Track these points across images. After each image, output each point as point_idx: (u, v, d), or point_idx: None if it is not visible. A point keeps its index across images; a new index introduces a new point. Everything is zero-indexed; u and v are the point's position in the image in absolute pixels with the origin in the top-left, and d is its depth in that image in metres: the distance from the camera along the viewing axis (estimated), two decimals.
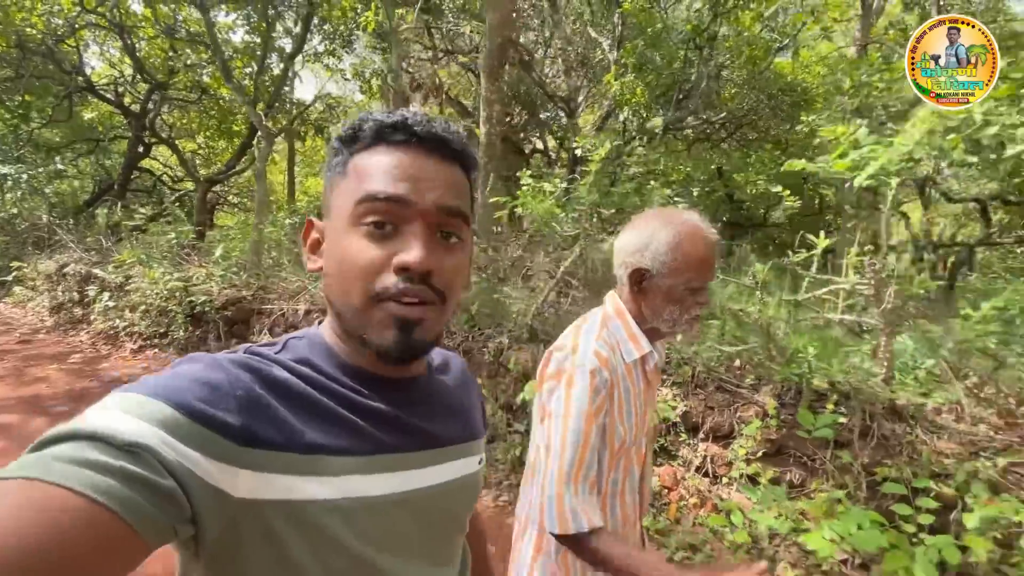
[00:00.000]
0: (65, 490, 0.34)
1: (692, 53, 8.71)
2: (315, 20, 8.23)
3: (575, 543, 0.90)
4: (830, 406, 2.38)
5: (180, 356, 4.05)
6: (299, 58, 9.63)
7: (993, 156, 2.41)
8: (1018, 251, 7.24)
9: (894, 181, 2.43)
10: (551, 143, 10.30)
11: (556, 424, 0.95)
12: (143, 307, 5.35)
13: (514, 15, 4.33)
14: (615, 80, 8.82)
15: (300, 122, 9.17)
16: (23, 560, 0.31)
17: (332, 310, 0.56)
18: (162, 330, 5.40)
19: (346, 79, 11.05)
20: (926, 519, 1.89)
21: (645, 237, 1.01)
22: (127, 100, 11.62)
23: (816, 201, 10.76)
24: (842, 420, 2.32)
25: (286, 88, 10.20)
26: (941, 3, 7.07)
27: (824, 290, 2.96)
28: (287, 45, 9.05)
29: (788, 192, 4.10)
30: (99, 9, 7.13)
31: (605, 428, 0.98)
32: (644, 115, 9.83)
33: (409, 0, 5.70)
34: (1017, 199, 5.88)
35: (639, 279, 1.01)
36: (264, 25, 6.57)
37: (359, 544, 0.50)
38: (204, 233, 7.73)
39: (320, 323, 0.61)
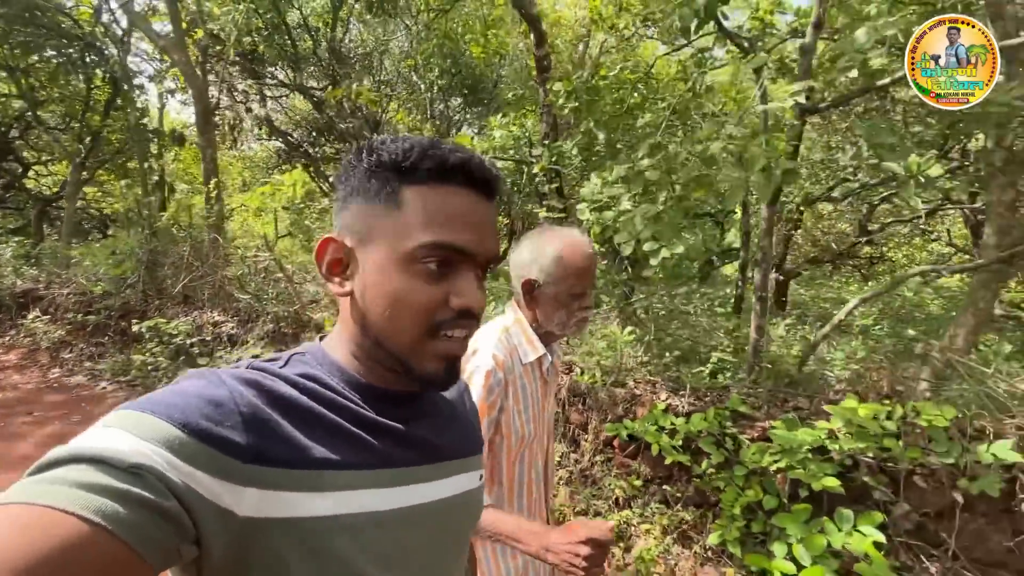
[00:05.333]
0: (67, 515, 0.34)
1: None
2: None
3: None
4: None
5: None
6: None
7: None
8: None
9: None
10: None
11: None
12: None
13: (210, 88, 6.42)
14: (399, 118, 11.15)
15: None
16: None
17: (364, 334, 0.56)
18: None
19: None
20: None
21: (534, 252, 1.17)
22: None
23: None
24: None
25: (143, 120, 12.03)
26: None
27: None
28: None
29: None
30: None
31: (500, 423, 1.12)
32: None
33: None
34: None
35: (530, 288, 1.16)
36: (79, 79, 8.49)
37: (365, 561, 0.50)
38: (39, 243, 9.42)
39: (322, 339, 0.61)
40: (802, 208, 8.64)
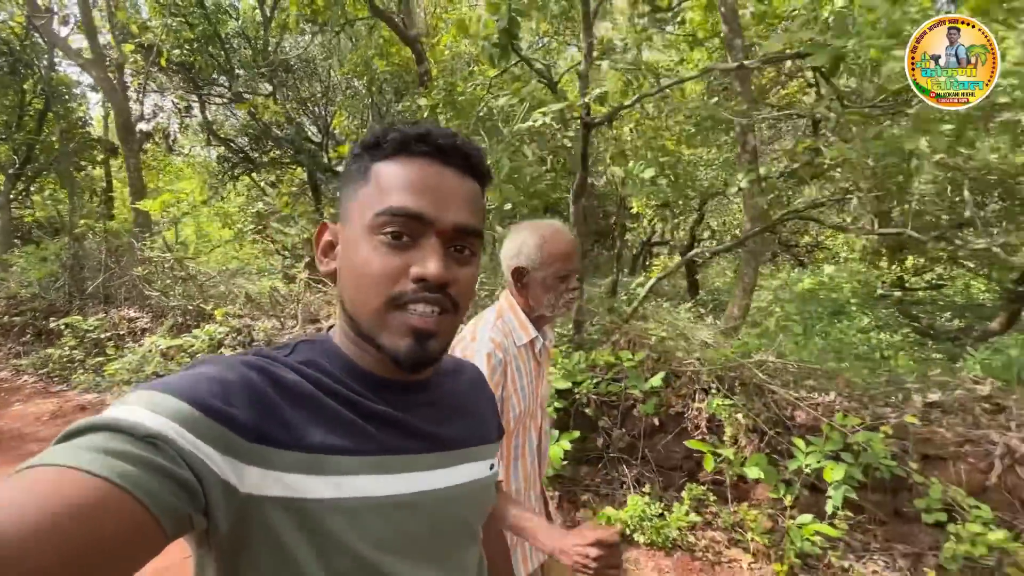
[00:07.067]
0: (92, 476, 0.36)
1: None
2: None
3: None
4: None
5: None
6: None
7: None
8: None
9: None
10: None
11: None
12: None
13: (130, 101, 6.87)
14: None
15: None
16: (51, 542, 0.32)
17: (345, 313, 0.58)
18: None
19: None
20: None
21: (519, 242, 1.25)
22: None
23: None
24: None
25: (86, 129, 12.26)
26: None
27: None
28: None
29: None
30: None
31: (502, 402, 1.16)
32: None
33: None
34: None
35: (519, 276, 1.25)
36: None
37: (363, 545, 0.50)
38: None
39: (331, 328, 0.63)
40: (703, 202, 9.47)
